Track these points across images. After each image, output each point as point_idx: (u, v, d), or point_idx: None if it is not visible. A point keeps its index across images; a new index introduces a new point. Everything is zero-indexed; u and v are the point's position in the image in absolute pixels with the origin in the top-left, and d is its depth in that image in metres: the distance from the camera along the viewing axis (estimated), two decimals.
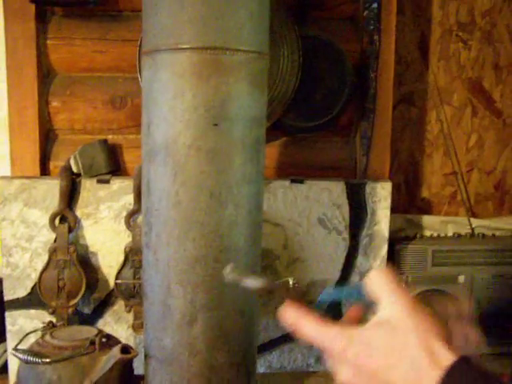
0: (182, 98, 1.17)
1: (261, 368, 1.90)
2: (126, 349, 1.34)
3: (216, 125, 1.16)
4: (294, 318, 0.73)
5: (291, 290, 0.79)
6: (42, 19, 1.85)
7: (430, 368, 0.62)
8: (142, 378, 1.41)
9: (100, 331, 1.45)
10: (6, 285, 1.83)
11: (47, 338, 1.43)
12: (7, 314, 1.84)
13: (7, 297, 1.83)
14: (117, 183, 1.80)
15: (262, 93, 1.24)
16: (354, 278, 1.90)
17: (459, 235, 2.20)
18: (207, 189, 1.18)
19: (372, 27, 1.87)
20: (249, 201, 1.23)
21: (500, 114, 2.24)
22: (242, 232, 1.23)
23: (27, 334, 1.51)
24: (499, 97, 2.23)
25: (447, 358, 0.62)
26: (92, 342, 1.39)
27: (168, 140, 1.19)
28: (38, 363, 1.34)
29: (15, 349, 1.39)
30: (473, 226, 2.22)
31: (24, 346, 1.44)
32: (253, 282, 0.78)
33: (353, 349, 0.67)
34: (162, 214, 1.22)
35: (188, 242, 1.20)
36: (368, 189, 1.88)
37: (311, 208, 1.85)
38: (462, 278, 2.09)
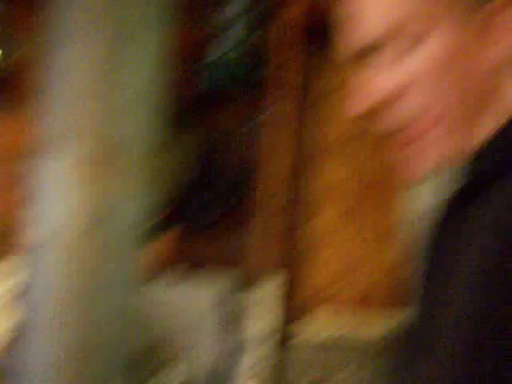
0: (70, 194, 1.22)
1: None
2: None
3: (100, 222, 1.21)
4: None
5: None
6: None
7: None
8: None
9: None
10: None
11: None
12: None
13: None
14: (6, 264, 1.79)
15: (148, 192, 1.30)
16: None
17: (346, 335, 2.27)
18: (84, 286, 1.21)
19: (260, 137, 2.00)
20: (124, 297, 1.27)
21: (378, 218, 2.38)
22: (115, 331, 1.26)
23: None
24: (374, 206, 2.38)
25: None
26: None
27: (50, 237, 1.23)
28: None
29: None
30: (359, 325, 2.30)
31: None
32: None
33: None
34: (40, 307, 1.24)
35: (63, 336, 1.22)
36: (257, 285, 1.93)
37: (186, 311, 1.87)
38: None
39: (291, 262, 2.30)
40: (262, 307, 1.95)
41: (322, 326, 2.29)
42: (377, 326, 2.31)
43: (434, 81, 0.64)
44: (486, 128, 0.65)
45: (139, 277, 1.32)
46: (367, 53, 0.66)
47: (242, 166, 1.99)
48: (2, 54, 1.85)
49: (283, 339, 2.11)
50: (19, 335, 1.69)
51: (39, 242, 1.26)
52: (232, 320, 1.93)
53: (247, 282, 1.95)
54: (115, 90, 1.24)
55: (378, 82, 0.66)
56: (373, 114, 0.66)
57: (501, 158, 0.64)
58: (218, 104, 2.01)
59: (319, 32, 2.03)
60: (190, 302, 1.89)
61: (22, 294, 1.45)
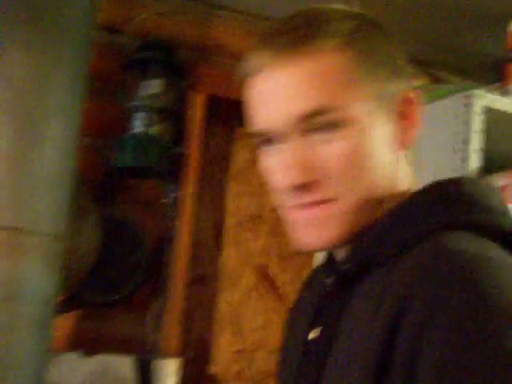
0: None
1: None
2: None
3: (7, 300, 1.22)
4: None
5: None
6: None
7: None
8: None
9: None
10: None
11: None
12: None
13: None
14: None
15: (55, 272, 1.32)
16: None
17: None
18: None
19: (170, 213, 2.06)
20: (35, 374, 1.26)
21: (282, 298, 2.47)
22: None
23: None
24: (282, 283, 2.47)
25: None
26: None
27: None
28: None
29: None
30: None
31: None
32: None
33: None
34: None
35: None
36: (157, 364, 1.95)
37: (98, 383, 1.88)
38: None
39: (193, 343, 2.32)
40: None
41: None
42: None
43: (336, 168, 0.70)
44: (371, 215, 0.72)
45: (48, 354, 1.32)
46: (262, 138, 0.74)
47: (150, 245, 2.04)
48: None
49: None
50: None
51: None
52: None
53: (147, 365, 1.95)
54: (26, 169, 1.27)
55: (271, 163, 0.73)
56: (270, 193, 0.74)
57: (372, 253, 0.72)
58: (127, 182, 2.07)
59: (231, 110, 2.16)
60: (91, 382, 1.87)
61: None
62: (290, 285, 2.48)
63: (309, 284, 0.94)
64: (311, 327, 0.78)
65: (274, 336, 2.46)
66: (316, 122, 0.69)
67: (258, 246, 2.43)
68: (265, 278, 2.45)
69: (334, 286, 0.76)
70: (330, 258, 0.81)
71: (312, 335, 0.77)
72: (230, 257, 2.39)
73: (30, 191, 1.26)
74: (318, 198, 0.71)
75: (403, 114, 0.75)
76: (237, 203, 2.42)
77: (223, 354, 2.39)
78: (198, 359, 2.35)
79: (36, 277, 1.27)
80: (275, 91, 0.70)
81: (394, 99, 0.74)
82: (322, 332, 0.75)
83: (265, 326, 2.44)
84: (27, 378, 1.27)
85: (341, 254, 0.76)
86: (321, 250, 0.76)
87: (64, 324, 1.94)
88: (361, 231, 0.72)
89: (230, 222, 2.40)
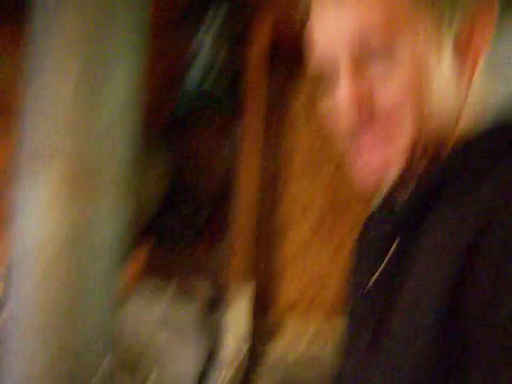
0: (51, 213, 1.26)
1: None
2: None
3: (80, 240, 1.25)
4: None
5: None
6: None
7: None
8: None
9: None
10: None
11: None
12: None
13: None
14: None
15: (126, 211, 1.35)
16: None
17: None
18: (67, 299, 1.25)
19: (236, 149, 2.06)
20: (106, 311, 1.31)
21: (352, 229, 2.45)
22: (98, 342, 1.29)
23: None
24: (352, 213, 2.44)
25: None
26: None
27: (34, 248, 1.27)
28: None
29: None
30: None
31: None
32: None
33: None
34: (24, 318, 1.27)
35: (42, 355, 1.24)
36: (228, 293, 1.99)
37: (173, 318, 1.91)
38: None
39: (262, 277, 2.35)
40: (234, 322, 2.00)
41: (292, 342, 2.34)
42: None
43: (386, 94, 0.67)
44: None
45: (118, 292, 1.36)
46: (324, 74, 0.72)
47: (216, 184, 2.06)
48: None
49: (254, 354, 2.17)
50: None
51: (18, 259, 1.30)
52: (205, 335, 1.97)
53: (219, 297, 2.00)
54: (93, 109, 1.28)
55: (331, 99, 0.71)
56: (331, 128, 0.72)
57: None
58: (192, 127, 2.07)
59: (289, 53, 2.11)
60: (162, 318, 1.93)
61: None
62: (360, 216, 2.45)
63: (369, 224, 0.91)
64: (374, 269, 0.76)
65: (343, 265, 2.45)
66: (371, 45, 0.66)
67: (326, 177, 2.41)
68: (334, 208, 2.43)
69: (395, 227, 0.74)
70: (392, 198, 0.79)
71: (375, 277, 0.76)
72: (297, 189, 2.38)
73: (97, 130, 1.28)
74: (377, 137, 0.69)
75: (466, 43, 0.70)
76: (301, 138, 2.39)
77: (293, 283, 2.41)
78: (268, 288, 2.37)
79: (108, 216, 1.30)
80: (333, 17, 0.68)
81: (458, 24, 0.69)
82: (385, 273, 0.73)
83: (334, 254, 2.44)
84: (98, 315, 1.31)
85: (403, 193, 0.74)
86: (382, 189, 0.74)
87: (138, 258, 2.00)
88: (424, 169, 0.70)
89: (295, 155, 2.38)
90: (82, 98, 1.29)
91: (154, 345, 1.91)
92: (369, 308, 0.76)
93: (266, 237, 2.36)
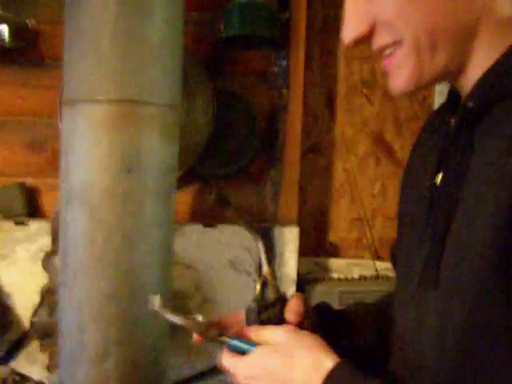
0: (99, 146, 1.26)
1: None
2: None
3: (130, 171, 1.25)
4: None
5: (205, 330, 0.86)
6: None
7: (315, 373, 0.73)
8: None
9: (13, 370, 1.49)
10: None
11: None
12: None
13: None
14: (34, 225, 1.85)
15: (173, 143, 1.34)
16: None
17: (365, 277, 2.33)
18: (119, 230, 1.26)
19: (281, 82, 2.02)
20: (159, 242, 1.32)
21: (400, 164, 2.42)
22: (154, 272, 1.32)
23: None
24: (399, 148, 2.41)
25: (328, 362, 0.73)
26: (4, 381, 1.42)
27: (85, 185, 1.27)
28: None
29: None
30: (377, 268, 2.36)
31: None
32: (173, 318, 0.86)
33: (255, 372, 0.78)
34: (78, 253, 1.29)
35: (102, 280, 1.27)
36: (276, 233, 1.99)
37: (223, 251, 1.95)
38: None
39: (308, 217, 2.34)
40: (282, 258, 2.00)
41: (338, 283, 2.34)
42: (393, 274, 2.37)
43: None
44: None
45: (171, 223, 1.36)
46: None
47: (261, 118, 2.03)
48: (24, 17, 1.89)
49: (302, 290, 2.17)
50: (51, 293, 1.75)
51: (69, 196, 1.30)
52: (253, 272, 1.98)
53: (266, 233, 2.00)
54: (135, 44, 1.26)
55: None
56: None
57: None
58: (236, 53, 2.04)
59: None
60: (211, 254, 1.95)
61: (56, 248, 1.49)
62: (408, 150, 2.41)
63: (430, 127, 0.89)
64: (436, 172, 0.75)
65: (392, 202, 2.44)
66: None
67: (372, 111, 2.37)
68: (381, 143, 2.40)
69: (458, 126, 0.71)
70: (453, 97, 0.76)
71: (438, 180, 0.74)
72: (344, 124, 2.35)
73: (141, 62, 1.26)
74: (383, 45, 0.71)
75: None
76: (349, 69, 2.34)
77: (341, 222, 2.41)
78: (316, 228, 2.38)
79: (155, 147, 1.29)
80: None
81: None
82: (448, 176, 0.72)
83: (382, 192, 2.42)
84: (153, 245, 1.32)
85: (465, 91, 0.71)
86: (411, 92, 0.73)
87: (183, 198, 2.00)
88: (473, 65, 0.69)
89: (342, 88, 2.34)
90: (123, 32, 1.26)
91: (206, 279, 1.94)
92: (428, 216, 0.75)
93: (312, 176, 2.34)
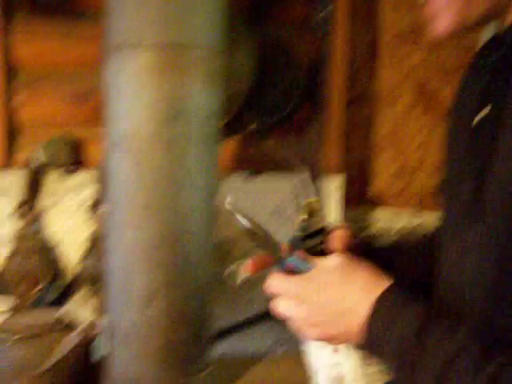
0: (144, 92, 1.26)
1: (215, 354, 1.98)
2: (88, 328, 1.42)
3: (175, 118, 1.26)
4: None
5: (269, 244, 0.86)
6: (7, 16, 1.92)
7: (367, 295, 0.74)
8: (103, 358, 1.49)
9: (63, 313, 1.53)
10: None
11: (12, 320, 1.50)
12: None
13: None
14: (81, 174, 1.88)
15: (218, 89, 1.33)
16: None
17: (408, 227, 2.33)
18: (165, 177, 1.27)
19: (324, 30, 1.98)
20: (205, 188, 1.33)
21: (444, 115, 2.37)
22: (199, 217, 1.33)
23: None
24: (445, 98, 2.36)
25: (380, 286, 0.74)
26: (56, 323, 1.47)
27: (130, 131, 1.28)
28: (2, 342, 1.41)
29: None
30: (421, 218, 2.35)
31: None
32: (243, 220, 0.86)
33: (308, 287, 0.79)
34: (124, 200, 1.31)
35: (148, 227, 1.29)
36: (320, 182, 1.99)
37: (267, 200, 1.96)
38: None
39: (351, 167, 2.33)
40: (327, 208, 2.00)
41: (380, 234, 2.34)
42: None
43: None
44: None
45: (216, 170, 1.37)
46: None
47: (305, 67, 2.01)
48: None
49: None
50: (98, 241, 1.79)
51: (114, 145, 1.31)
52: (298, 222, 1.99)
53: (311, 183, 1.99)
54: None
55: None
56: None
57: None
58: (278, 1, 2.01)
59: None
60: (256, 202, 1.95)
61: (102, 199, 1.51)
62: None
63: (472, 68, 0.89)
64: (479, 108, 0.75)
65: (435, 154, 2.40)
66: None
67: (417, 61, 2.31)
68: (425, 94, 2.35)
69: (500, 61, 0.71)
70: (495, 35, 0.76)
71: (481, 115, 0.74)
72: (387, 74, 2.30)
73: (185, 6, 1.25)
74: None
75: None
76: (393, 17, 2.28)
77: (383, 174, 2.39)
78: (358, 179, 2.36)
79: (199, 93, 1.29)
80: None
81: None
82: (490, 110, 0.72)
83: (426, 143, 2.38)
84: (199, 191, 1.32)
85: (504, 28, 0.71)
86: (455, 33, 0.74)
87: (226, 149, 2.01)
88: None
89: (386, 37, 2.29)
90: None
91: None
92: (472, 150, 0.75)
93: (355, 126, 2.31)
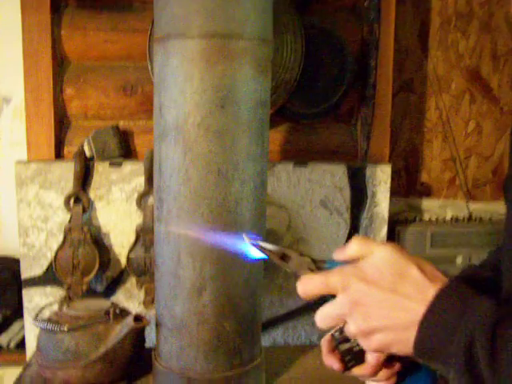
0: (191, 81, 1.25)
1: (265, 343, 1.98)
2: (138, 318, 1.43)
3: (223, 106, 1.25)
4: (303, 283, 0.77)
5: (304, 260, 0.79)
6: (56, 10, 1.94)
7: (430, 284, 0.68)
8: (153, 348, 1.50)
9: (114, 303, 1.55)
10: (22, 264, 1.92)
11: (64, 309, 1.52)
12: (24, 291, 1.93)
13: (24, 275, 1.92)
14: (128, 166, 1.89)
15: (266, 77, 1.32)
16: None
17: (457, 218, 2.28)
18: (215, 166, 1.27)
19: (372, 17, 1.95)
20: (254, 178, 1.32)
21: (497, 101, 2.31)
22: (248, 207, 1.32)
23: (45, 306, 1.60)
24: (497, 85, 2.30)
25: (442, 278, 0.70)
26: (107, 313, 1.48)
27: (178, 121, 1.28)
28: (57, 331, 1.43)
29: (35, 319, 1.49)
30: (470, 209, 2.30)
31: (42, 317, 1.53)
32: (269, 246, 0.80)
33: (359, 273, 0.72)
34: (173, 190, 1.31)
35: (197, 216, 1.29)
36: (368, 172, 1.96)
37: (314, 190, 1.94)
38: (459, 260, 2.17)
39: (403, 151, 2.29)
40: (374, 198, 1.97)
41: (431, 218, 2.30)
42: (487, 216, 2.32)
43: None
44: None
45: (266, 157, 1.36)
46: None
47: (353, 52, 1.98)
48: None
49: (392, 231, 2.14)
50: (146, 232, 1.80)
51: (163, 132, 1.31)
52: (344, 211, 1.97)
53: (358, 173, 1.97)
54: None
55: None
56: None
57: None
58: None
59: None
60: (302, 193, 1.94)
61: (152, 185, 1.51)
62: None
63: None
64: None
65: (488, 142, 2.35)
66: None
67: (468, 45, 2.26)
68: (477, 80, 2.29)
69: None
70: None
71: None
72: (438, 60, 2.25)
73: (228, 6, 1.24)
74: None
75: None
76: (442, 1, 2.23)
77: (434, 162, 2.34)
78: (408, 167, 2.32)
79: (247, 82, 1.28)
80: None
81: None
82: None
83: (477, 131, 2.33)
84: (247, 180, 1.32)
85: None
86: None
87: (274, 137, 1.99)
88: None
89: (436, 22, 2.24)
90: None
91: (297, 218, 1.94)
92: None
93: (404, 114, 2.27)
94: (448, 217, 2.29)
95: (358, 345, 0.79)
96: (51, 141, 1.95)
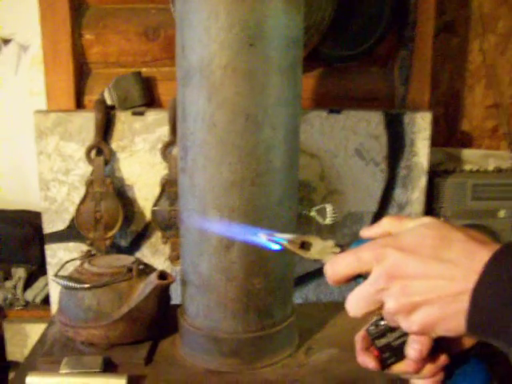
0: (217, 17, 1.13)
1: (297, 300, 1.91)
2: (163, 275, 1.35)
3: (252, 45, 1.13)
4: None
5: (327, 244, 0.74)
6: None
7: (480, 248, 0.60)
8: (179, 306, 1.43)
9: (137, 259, 1.47)
10: (44, 218, 1.85)
11: (86, 265, 1.44)
12: (46, 247, 1.87)
13: (46, 230, 1.85)
14: (151, 115, 1.79)
15: (298, 12, 1.19)
16: (392, 210, 1.88)
17: (500, 169, 2.15)
18: (243, 111, 1.16)
19: None
20: (285, 123, 1.21)
21: None
22: (279, 155, 1.21)
23: (67, 262, 1.53)
24: None
25: (492, 243, 0.61)
26: (130, 269, 1.40)
27: (203, 61, 1.16)
28: (78, 288, 1.36)
29: (55, 275, 1.42)
30: None
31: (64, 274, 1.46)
32: (285, 235, 0.76)
33: (395, 243, 0.65)
34: (198, 138, 1.20)
35: (224, 165, 1.19)
36: (407, 119, 1.83)
37: (348, 139, 1.82)
38: (502, 213, 2.05)
39: (444, 97, 2.17)
40: (413, 146, 1.85)
41: (472, 168, 2.18)
42: None
43: None
44: None
45: (299, 100, 1.25)
46: None
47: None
48: None
49: (432, 182, 2.03)
50: (170, 184, 1.71)
51: (187, 78, 1.21)
52: (381, 161, 1.85)
53: (395, 120, 1.84)
54: None
55: None
56: None
57: None
58: None
59: None
60: (337, 142, 1.83)
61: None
62: None
63: None
64: None
65: None
66: None
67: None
68: None
69: None
70: None
71: None
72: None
73: None
74: None
75: None
76: None
77: (476, 109, 2.21)
78: (449, 115, 2.19)
79: (277, 17, 1.16)
80: None
81: None
82: None
83: None
84: (279, 126, 1.21)
85: None
86: None
87: (307, 83, 1.87)
88: None
89: None
90: None
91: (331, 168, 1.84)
92: None
93: (445, 58, 2.13)
94: (490, 168, 2.16)
95: (397, 338, 0.72)
96: (71, 89, 1.86)
